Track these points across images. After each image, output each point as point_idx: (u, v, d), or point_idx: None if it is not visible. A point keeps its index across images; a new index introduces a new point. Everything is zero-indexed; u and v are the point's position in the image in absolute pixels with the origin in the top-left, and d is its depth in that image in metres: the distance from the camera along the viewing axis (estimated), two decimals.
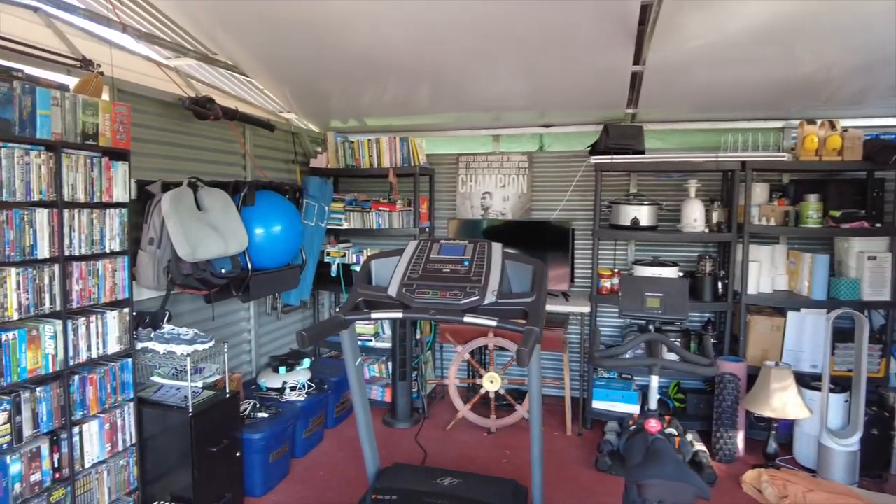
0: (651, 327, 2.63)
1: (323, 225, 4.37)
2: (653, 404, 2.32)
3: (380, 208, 4.45)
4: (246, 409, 3.32)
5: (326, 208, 4.38)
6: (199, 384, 2.85)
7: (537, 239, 4.42)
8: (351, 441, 3.98)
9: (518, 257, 2.74)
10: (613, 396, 4.20)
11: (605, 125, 4.10)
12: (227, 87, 4.22)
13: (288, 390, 3.72)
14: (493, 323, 2.36)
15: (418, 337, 4.41)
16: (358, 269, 4.48)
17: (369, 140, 4.50)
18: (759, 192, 4.04)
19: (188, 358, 2.75)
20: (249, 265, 3.29)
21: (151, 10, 3.20)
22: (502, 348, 4.26)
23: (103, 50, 3.02)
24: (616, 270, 4.30)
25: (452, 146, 4.95)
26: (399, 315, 2.47)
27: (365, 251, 4.63)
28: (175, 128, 3.36)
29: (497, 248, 2.77)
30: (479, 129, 4.76)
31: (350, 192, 4.80)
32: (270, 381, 3.80)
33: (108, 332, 2.62)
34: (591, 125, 4.47)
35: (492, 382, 4.15)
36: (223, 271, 3.09)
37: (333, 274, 4.56)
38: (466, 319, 2.39)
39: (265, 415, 3.34)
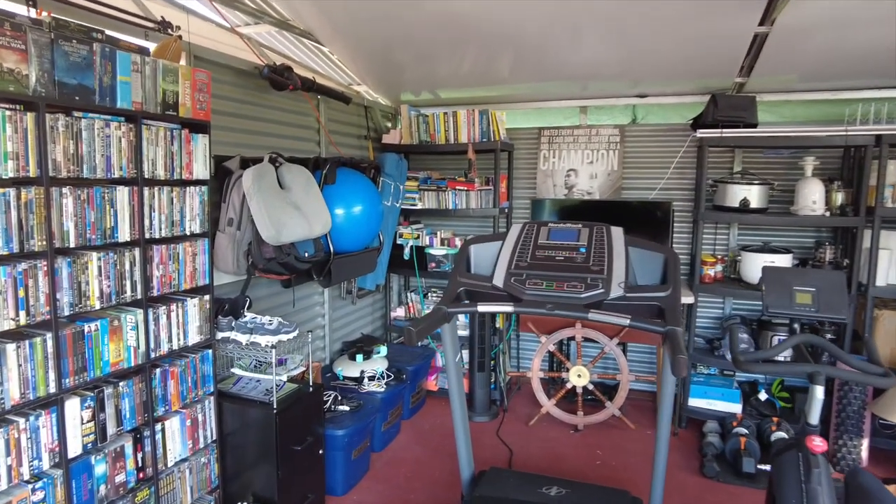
0: (796, 326, 2.27)
1: (398, 205, 4.11)
2: (814, 418, 1.97)
3: (456, 187, 4.14)
4: (328, 402, 3.11)
5: (402, 187, 4.11)
6: (284, 377, 2.64)
7: (630, 222, 4.03)
8: (429, 434, 3.75)
9: (644, 244, 2.40)
10: (713, 394, 3.84)
11: (713, 95, 3.67)
12: (299, 57, 3.96)
13: (366, 380, 3.49)
14: (626, 321, 2.04)
15: (497, 325, 4.12)
16: (432, 251, 4.21)
17: (445, 113, 4.18)
18: (893, 170, 3.54)
19: (273, 350, 2.53)
20: (331, 248, 3.05)
21: None
22: (590, 339, 3.93)
23: (178, 16, 2.78)
24: (720, 257, 3.89)
25: (533, 119, 4.58)
26: (510, 308, 2.18)
27: (438, 233, 4.35)
28: (251, 99, 3.12)
29: (618, 232, 2.44)
30: (563, 100, 4.38)
31: (423, 169, 4.51)
32: (348, 369, 3.58)
33: (189, 322, 2.41)
34: (693, 96, 4.04)
35: (579, 377, 3.84)
36: (306, 255, 2.85)
37: (406, 256, 4.29)
38: (592, 317, 2.08)
39: (346, 408, 3.13)
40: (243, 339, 2.57)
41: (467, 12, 3.07)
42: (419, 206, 4.23)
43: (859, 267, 3.50)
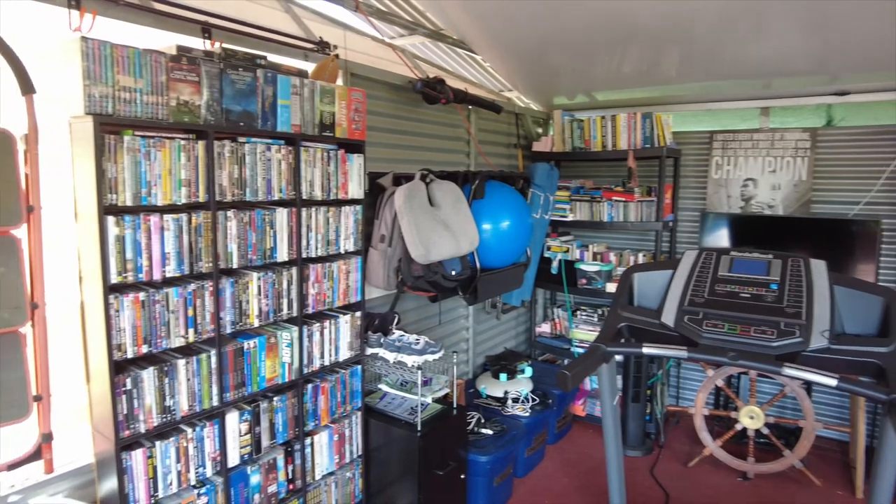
0: None
1: (547, 217, 3.90)
2: None
3: (613, 198, 3.83)
4: (470, 424, 3.01)
5: (551, 198, 3.89)
6: (429, 399, 2.58)
7: (821, 243, 3.45)
8: (575, 463, 3.51)
9: (856, 282, 1.97)
10: None
11: None
12: (450, 67, 3.91)
13: (510, 402, 3.35)
14: (833, 382, 1.66)
15: None
16: (582, 266, 3.94)
17: (602, 118, 3.88)
18: None
19: (419, 371, 2.47)
20: (478, 265, 2.94)
21: None
22: (766, 376, 3.42)
23: (336, 33, 2.83)
24: None
25: (704, 122, 4.11)
26: (683, 354, 1.89)
27: (590, 246, 4.07)
28: (403, 114, 3.11)
29: (820, 266, 2.04)
30: (740, 100, 3.86)
31: (576, 178, 4.24)
32: (491, 387, 3.46)
33: (341, 338, 2.44)
34: None
35: (751, 418, 3.35)
36: (453, 273, 2.77)
37: (554, 271, 4.07)
38: (787, 373, 1.73)
39: (490, 431, 3.00)
40: (390, 357, 2.54)
41: (629, 8, 2.78)
42: (570, 218, 3.98)
43: None
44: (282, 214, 2.13)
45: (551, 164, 3.97)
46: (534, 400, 3.38)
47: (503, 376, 3.49)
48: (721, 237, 3.78)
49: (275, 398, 2.19)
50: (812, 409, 3.28)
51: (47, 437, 1.75)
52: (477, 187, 2.94)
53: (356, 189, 2.43)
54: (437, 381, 2.68)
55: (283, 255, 2.16)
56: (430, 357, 2.53)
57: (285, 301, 2.19)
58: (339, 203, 2.38)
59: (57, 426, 1.78)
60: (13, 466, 1.72)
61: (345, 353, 2.47)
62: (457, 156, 3.59)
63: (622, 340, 2.17)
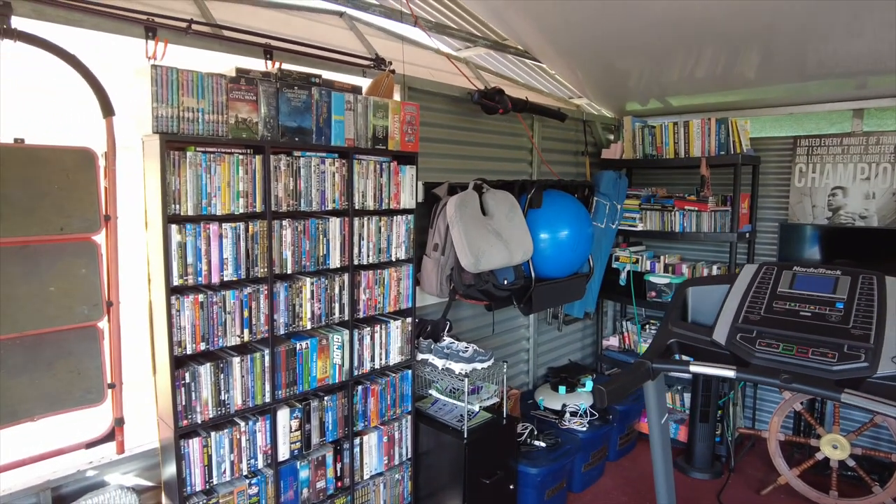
0: None
1: (614, 226, 3.80)
2: None
3: (685, 207, 3.67)
4: (523, 435, 2.99)
5: (619, 207, 3.79)
6: (476, 407, 2.60)
7: None
8: (636, 481, 3.38)
9: None
10: None
11: None
12: (516, 76, 3.93)
13: (568, 415, 3.29)
14: None
15: None
16: (652, 278, 3.80)
17: (675, 124, 3.74)
18: None
19: (465, 379, 2.50)
20: (533, 275, 2.92)
21: None
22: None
23: (398, 47, 2.93)
24: None
25: (786, 127, 3.85)
26: (731, 374, 1.80)
27: (662, 258, 3.91)
28: (462, 124, 3.16)
29: (893, 283, 1.87)
30: (829, 102, 3.57)
31: (646, 186, 4.11)
32: (549, 399, 3.42)
33: (391, 343, 2.52)
34: None
35: (835, 448, 3.08)
36: (505, 282, 2.77)
37: (622, 282, 3.96)
38: (846, 399, 1.60)
39: (543, 444, 2.97)
40: (439, 363, 2.59)
41: (704, 7, 2.68)
42: (639, 228, 3.86)
43: None
44: (335, 223, 2.24)
45: (619, 172, 3.87)
46: (592, 415, 3.30)
47: (562, 389, 3.44)
48: (804, 250, 3.52)
49: (325, 397, 2.30)
50: None
51: (119, 422, 1.94)
52: (533, 196, 2.94)
53: (408, 199, 2.51)
54: (486, 389, 2.69)
55: (335, 261, 2.27)
56: (478, 365, 2.55)
57: (337, 305, 2.29)
58: (392, 213, 2.46)
59: (129, 412, 1.97)
60: (91, 445, 1.93)
61: (395, 358, 2.54)
62: (519, 164, 3.59)
63: (673, 357, 2.09)
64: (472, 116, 3.20)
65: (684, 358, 2.03)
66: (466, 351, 2.57)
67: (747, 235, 3.69)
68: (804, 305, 1.91)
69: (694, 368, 1.86)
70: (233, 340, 2.01)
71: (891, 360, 1.66)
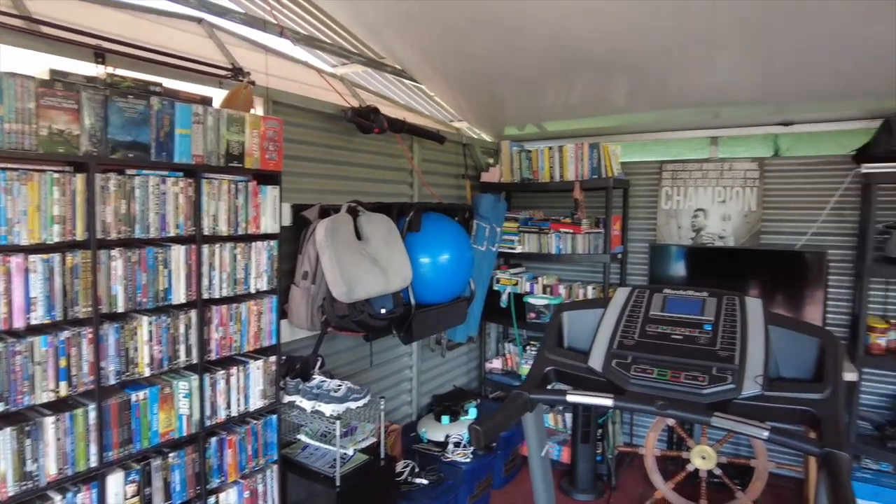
0: None
1: (494, 249, 3.77)
2: None
3: (560, 229, 3.72)
4: (403, 474, 2.81)
5: (498, 230, 3.77)
6: (350, 450, 2.38)
7: (772, 275, 3.38)
8: None
9: (791, 322, 1.87)
10: (885, 497, 3.03)
11: (886, 120, 2.96)
12: (396, 96, 3.81)
13: (451, 446, 3.15)
14: (765, 434, 1.54)
15: None
16: (531, 300, 3.81)
17: (550, 148, 3.80)
18: None
19: (338, 421, 2.28)
20: (413, 302, 2.78)
21: (313, 10, 2.85)
22: None
23: (262, 59, 2.70)
24: (894, 322, 3.10)
25: (654, 152, 4.05)
26: (609, 403, 1.75)
27: (541, 279, 3.94)
28: (337, 143, 2.98)
29: (756, 305, 1.92)
30: (690, 130, 3.81)
31: (525, 209, 4.14)
32: (432, 431, 3.27)
33: (251, 386, 2.24)
34: (856, 121, 3.30)
35: (703, 458, 3.20)
36: (383, 311, 2.60)
37: (504, 304, 3.93)
38: (716, 423, 1.59)
39: (425, 481, 2.81)
40: (308, 405, 2.35)
41: (577, 37, 2.72)
42: (518, 250, 3.86)
43: None
44: (178, 252, 1.96)
45: (498, 195, 3.86)
46: (485, 448, 3.18)
47: (445, 419, 3.31)
48: (671, 269, 3.69)
49: (171, 454, 1.98)
50: (764, 447, 3.16)
51: None
52: (412, 219, 2.80)
53: (271, 223, 2.27)
54: (362, 429, 2.48)
55: (179, 296, 1.97)
56: (352, 405, 2.35)
57: (183, 347, 1.99)
58: (250, 238, 2.21)
59: None
60: None
61: (257, 402, 2.26)
62: (399, 186, 3.46)
63: (550, 386, 2.02)
64: (347, 135, 3.03)
65: (563, 386, 1.96)
66: (339, 389, 2.35)
67: (619, 256, 3.81)
68: (675, 328, 1.92)
69: (571, 398, 1.79)
70: (45, 397, 1.65)
71: (753, 379, 1.68)
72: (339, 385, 2.38)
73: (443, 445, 3.19)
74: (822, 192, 3.40)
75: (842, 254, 3.37)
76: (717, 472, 3.24)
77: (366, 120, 2.85)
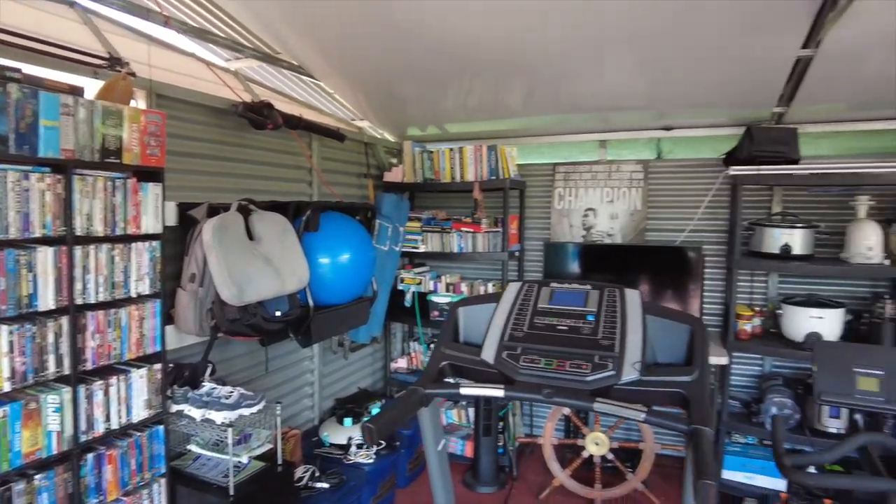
0: (857, 417, 1.83)
1: (397, 248, 3.77)
2: None
3: (462, 229, 3.80)
4: (303, 479, 2.74)
5: (401, 229, 3.78)
6: (244, 458, 2.30)
7: (655, 269, 3.63)
8: None
9: (665, 311, 2.01)
10: (752, 467, 3.34)
11: (749, 128, 3.26)
12: (296, 93, 3.71)
13: (354, 448, 3.12)
14: (642, 416, 1.65)
15: None
16: (434, 298, 3.85)
17: (451, 149, 3.87)
18: None
19: (229, 429, 2.19)
20: (311, 303, 2.72)
21: (202, 0, 2.72)
22: None
23: (145, 49, 2.54)
24: (758, 309, 3.43)
25: (549, 154, 4.23)
26: (500, 394, 1.81)
27: (444, 277, 4.00)
28: (228, 140, 2.86)
29: (634, 296, 2.05)
30: (581, 133, 4.01)
31: (429, 209, 4.19)
32: (334, 434, 3.22)
33: (134, 396, 2.10)
34: (726, 128, 3.63)
35: (597, 445, 3.39)
36: (278, 313, 2.53)
37: (408, 304, 3.95)
38: (598, 408, 1.69)
39: (326, 485, 2.76)
40: (197, 414, 2.24)
41: (474, 41, 2.78)
42: (421, 249, 3.89)
43: None
44: (46, 254, 1.80)
45: (401, 194, 3.87)
46: (379, 444, 3.18)
47: (348, 421, 3.27)
48: (564, 266, 3.86)
49: (37, 476, 1.81)
50: (651, 430, 3.39)
51: None
52: (309, 218, 2.75)
53: (153, 222, 2.14)
54: (257, 436, 2.40)
55: (47, 302, 1.81)
56: (245, 411, 2.27)
57: (52, 357, 1.84)
58: (130, 239, 2.07)
59: None
60: None
61: (141, 413, 2.13)
62: (298, 185, 3.38)
63: (446, 380, 2.05)
64: (240, 132, 2.91)
65: (459, 380, 2.00)
66: (230, 396, 2.26)
67: (517, 254, 3.95)
68: (561, 319, 2.01)
69: (464, 391, 1.83)
70: None
71: (632, 366, 1.80)
72: (231, 391, 2.29)
73: (345, 448, 3.15)
74: (698, 192, 3.70)
75: (716, 249, 3.69)
76: (610, 456, 3.43)
77: (259, 115, 2.77)
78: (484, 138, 4.16)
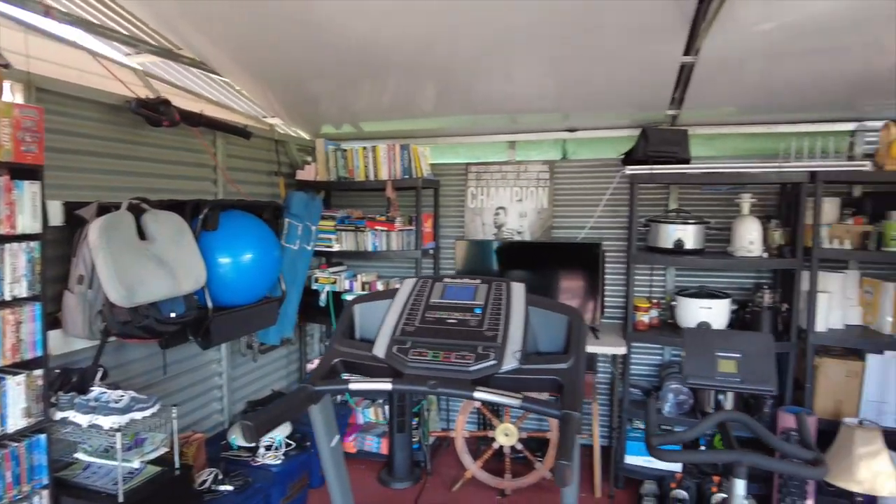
0: (722, 398, 1.99)
1: (309, 248, 3.74)
2: None
3: (376, 227, 3.82)
4: (205, 482, 2.69)
5: (313, 228, 3.76)
6: (135, 463, 2.23)
7: (561, 263, 3.77)
8: None
9: (546, 303, 2.10)
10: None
11: (643, 129, 3.45)
12: (204, 90, 3.62)
13: (262, 450, 3.09)
14: (517, 402, 1.73)
15: None
16: (349, 297, 3.86)
17: (364, 148, 3.88)
18: (828, 208, 3.36)
19: (118, 434, 2.12)
20: (210, 304, 2.67)
21: None
22: None
23: (22, 39, 2.42)
24: (655, 301, 3.64)
25: (462, 154, 4.32)
26: (387, 387, 1.84)
27: (360, 276, 4.01)
28: (123, 137, 2.76)
29: (518, 289, 2.14)
30: (491, 134, 4.12)
31: (345, 207, 4.18)
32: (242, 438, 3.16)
33: (10, 405, 2.01)
34: (625, 129, 3.82)
35: (506, 436, 3.50)
36: (173, 315, 2.47)
37: (322, 303, 3.93)
38: (478, 396, 1.76)
39: (230, 487, 2.71)
40: (84, 420, 2.16)
41: (389, 43, 2.81)
42: (336, 248, 3.89)
43: (798, 311, 3.27)
44: None
45: (312, 193, 3.85)
46: (289, 445, 3.16)
47: None
48: (476, 262, 3.95)
49: None
50: (556, 421, 3.52)
51: None
52: (206, 218, 2.69)
53: (30, 222, 2.05)
54: (151, 441, 2.34)
55: None
56: (137, 415, 2.20)
57: None
58: (4, 239, 1.97)
59: None
60: None
61: (18, 422, 2.03)
62: (202, 184, 3.30)
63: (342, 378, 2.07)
64: (136, 129, 2.82)
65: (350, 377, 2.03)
66: (121, 400, 2.19)
67: (431, 252, 4.01)
68: (451, 313, 2.07)
69: (353, 386, 1.86)
70: None
71: (512, 355, 1.87)
72: (122, 396, 2.22)
73: (254, 450, 3.10)
74: (601, 190, 3.89)
75: (617, 245, 3.88)
76: (520, 446, 3.55)
77: (154, 112, 2.69)
78: (399, 137, 4.20)
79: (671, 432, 1.89)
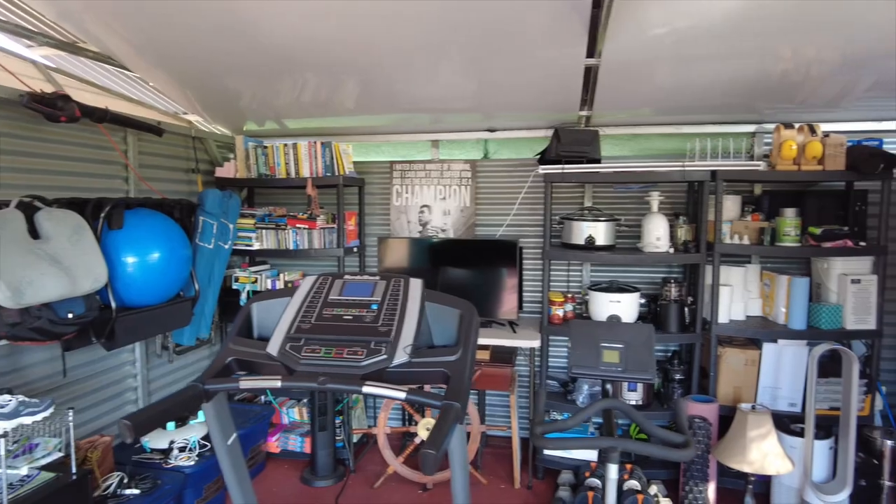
0: (609, 387, 2.10)
1: (226, 246, 3.69)
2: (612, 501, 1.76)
3: (297, 225, 3.80)
4: (110, 487, 2.63)
5: (231, 226, 3.70)
6: (23, 470, 2.17)
7: (482, 260, 3.85)
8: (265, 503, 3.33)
9: (441, 297, 2.16)
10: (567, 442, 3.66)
11: (556, 130, 3.57)
12: (118, 85, 3.51)
13: (176, 451, 3.04)
14: (402, 395, 1.77)
15: None
16: None
17: (285, 145, 3.85)
18: (730, 205, 3.56)
19: (2, 440, 2.06)
20: (113, 304, 2.61)
21: None
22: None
23: None
24: (570, 296, 3.77)
25: (387, 153, 4.35)
26: (277, 384, 1.86)
27: (283, 275, 3.98)
28: (17, 132, 2.66)
29: (416, 285, 2.19)
30: (415, 133, 4.16)
31: (268, 205, 4.14)
32: (155, 440, 3.11)
33: None
34: (542, 130, 3.93)
35: (428, 430, 3.54)
36: (70, 315, 2.40)
37: (243, 303, 3.88)
38: (366, 390, 1.80)
39: (136, 491, 2.66)
40: None
41: (310, 40, 2.80)
42: (256, 247, 3.85)
43: (702, 303, 3.45)
44: None
45: (230, 190, 3.79)
46: (204, 446, 3.12)
47: (171, 425, 3.17)
48: (400, 260, 3.99)
49: None
50: (477, 414, 3.60)
51: None
52: (109, 216, 2.64)
53: None
54: (43, 446, 2.27)
55: None
56: (26, 420, 2.14)
57: None
58: None
59: None
60: None
61: None
62: (111, 181, 3.20)
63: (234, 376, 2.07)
64: (37, 125, 2.72)
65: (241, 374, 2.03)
66: (7, 405, 2.12)
67: (355, 250, 4.02)
68: (348, 310, 2.09)
69: (244, 384, 1.86)
70: None
71: (403, 349, 1.92)
72: (10, 400, 2.15)
73: (166, 453, 3.05)
74: (519, 189, 3.99)
75: (535, 241, 3.99)
76: None
77: (50, 107, 2.60)
78: (325, 135, 4.19)
79: (555, 421, 1.97)
